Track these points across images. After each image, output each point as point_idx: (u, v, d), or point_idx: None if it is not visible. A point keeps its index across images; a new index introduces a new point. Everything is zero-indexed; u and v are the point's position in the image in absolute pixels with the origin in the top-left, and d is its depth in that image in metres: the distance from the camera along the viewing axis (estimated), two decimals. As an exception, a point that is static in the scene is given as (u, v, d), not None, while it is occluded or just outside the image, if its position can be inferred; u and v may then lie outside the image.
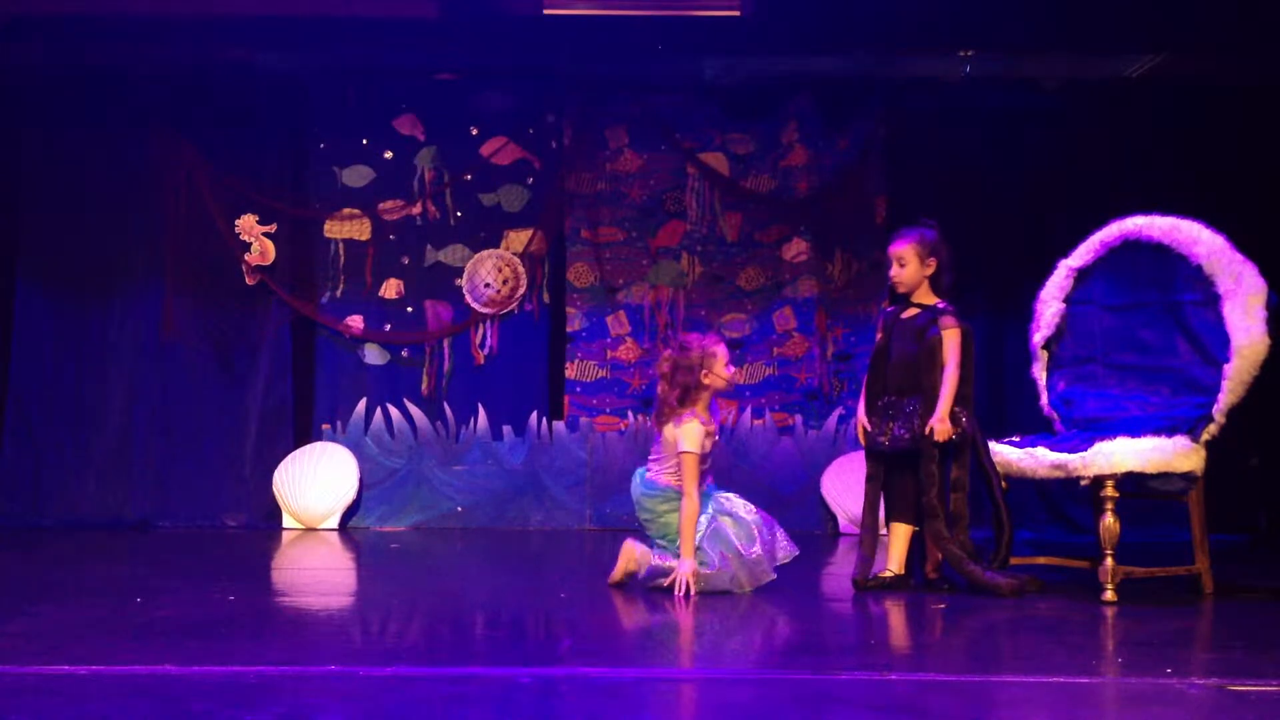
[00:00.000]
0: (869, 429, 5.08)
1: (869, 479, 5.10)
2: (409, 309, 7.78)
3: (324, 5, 6.70)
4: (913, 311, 5.09)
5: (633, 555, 5.03)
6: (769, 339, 7.74)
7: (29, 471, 7.62)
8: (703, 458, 4.91)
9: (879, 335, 5.20)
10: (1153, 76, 7.44)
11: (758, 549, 4.88)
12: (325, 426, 7.71)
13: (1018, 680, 3.37)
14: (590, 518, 7.54)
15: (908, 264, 5.08)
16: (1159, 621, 4.37)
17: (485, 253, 7.78)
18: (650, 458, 5.07)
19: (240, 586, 5.05)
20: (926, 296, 5.09)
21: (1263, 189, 7.45)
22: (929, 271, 5.07)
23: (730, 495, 5.02)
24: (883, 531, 5.16)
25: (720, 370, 4.98)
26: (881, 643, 4.07)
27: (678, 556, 4.88)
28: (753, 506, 5.00)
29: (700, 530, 4.89)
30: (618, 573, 5.06)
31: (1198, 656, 3.89)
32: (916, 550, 5.12)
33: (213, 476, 7.64)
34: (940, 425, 4.83)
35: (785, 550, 4.99)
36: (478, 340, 7.77)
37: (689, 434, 4.88)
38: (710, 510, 4.92)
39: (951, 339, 4.93)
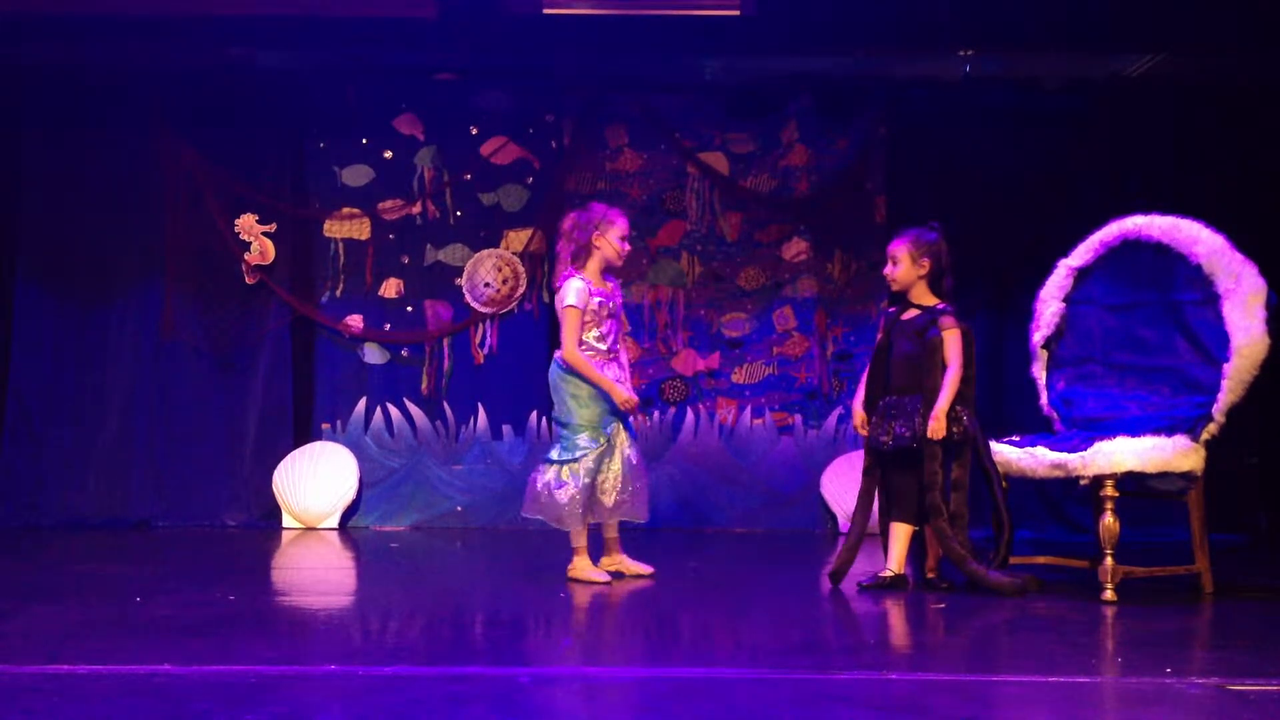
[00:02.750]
0: (869, 429, 5.08)
1: (865, 472, 5.11)
2: (409, 308, 7.77)
3: (324, 5, 6.69)
4: (913, 313, 5.09)
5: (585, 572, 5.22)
6: (769, 338, 7.74)
7: (29, 471, 7.61)
8: (600, 321, 5.12)
9: (880, 335, 5.21)
10: (1153, 76, 7.44)
11: (614, 497, 5.12)
12: (325, 426, 7.70)
13: (1018, 680, 3.37)
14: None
15: (900, 262, 5.10)
16: (1159, 621, 4.37)
17: (485, 252, 7.78)
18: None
19: (240, 586, 5.06)
20: (925, 297, 5.09)
21: (1263, 189, 7.44)
22: (922, 272, 5.07)
23: (630, 444, 5.19)
24: (873, 530, 5.17)
25: (613, 239, 5.16)
26: (881, 643, 4.07)
27: (561, 451, 5.13)
28: (638, 468, 5.20)
29: (591, 448, 5.08)
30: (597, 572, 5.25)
31: (1198, 656, 3.90)
32: (916, 550, 5.13)
33: (213, 476, 7.64)
34: (934, 424, 4.84)
35: (628, 511, 5.19)
36: (477, 340, 7.76)
37: (568, 289, 5.09)
38: (613, 441, 5.13)
39: (952, 340, 4.94)
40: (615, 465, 5.16)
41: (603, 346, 5.16)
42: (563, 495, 5.07)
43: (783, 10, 6.66)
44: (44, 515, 7.50)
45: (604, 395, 5.12)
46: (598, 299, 5.12)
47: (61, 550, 6.36)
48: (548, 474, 5.14)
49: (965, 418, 4.92)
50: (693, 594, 4.97)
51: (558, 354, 5.20)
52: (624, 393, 5.12)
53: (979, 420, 5.04)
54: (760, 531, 7.42)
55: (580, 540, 5.16)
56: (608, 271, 5.24)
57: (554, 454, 5.18)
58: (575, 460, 5.09)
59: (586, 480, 5.08)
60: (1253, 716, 2.93)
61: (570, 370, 5.13)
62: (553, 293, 7.72)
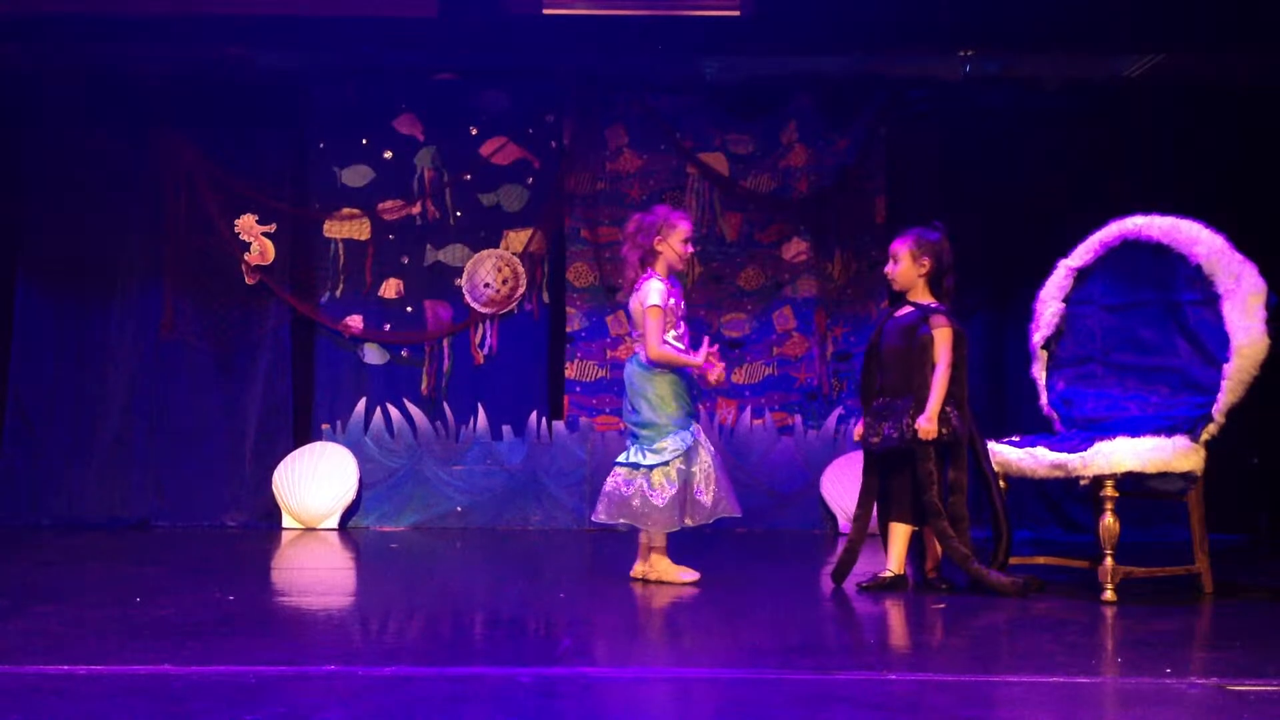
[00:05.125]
0: (865, 429, 5.07)
1: (865, 473, 5.11)
2: (409, 309, 7.77)
3: (324, 5, 6.69)
4: (906, 310, 5.09)
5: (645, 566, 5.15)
6: (769, 339, 7.74)
7: (29, 471, 7.61)
8: (675, 322, 5.08)
9: (874, 333, 5.20)
10: (1153, 76, 7.44)
11: (711, 496, 5.05)
12: (325, 426, 7.70)
13: (1018, 680, 3.37)
14: (590, 518, 7.54)
15: (900, 260, 5.09)
16: (1159, 621, 4.37)
17: (485, 252, 7.78)
18: (633, 341, 5.19)
19: (240, 586, 5.05)
20: (923, 296, 5.08)
21: (1263, 189, 7.44)
22: (922, 271, 5.06)
23: (708, 440, 5.17)
24: (874, 531, 5.17)
25: (676, 243, 5.12)
26: (881, 643, 4.07)
27: (647, 454, 5.02)
28: (721, 463, 5.17)
29: (680, 448, 5.01)
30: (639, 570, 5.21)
31: (1198, 656, 3.90)
32: (916, 550, 5.13)
33: (213, 476, 7.64)
34: (927, 425, 4.83)
35: (725, 508, 5.11)
36: (477, 340, 7.76)
37: (649, 290, 5.03)
38: (696, 440, 5.08)
39: (942, 338, 4.93)
40: (706, 463, 5.07)
41: (681, 346, 5.11)
42: (661, 499, 4.98)
43: (783, 10, 6.67)
44: (44, 515, 7.51)
45: (685, 393, 5.06)
46: (672, 299, 5.09)
47: (61, 550, 6.36)
48: (637, 479, 5.03)
49: (954, 417, 4.90)
50: (693, 594, 4.96)
51: (638, 354, 5.10)
52: (717, 369, 5.05)
53: (977, 422, 5.04)
54: (760, 531, 7.42)
55: (663, 540, 5.07)
56: (671, 274, 5.17)
57: (639, 458, 5.05)
58: (667, 463, 5.00)
59: (680, 482, 5.00)
60: (1253, 716, 2.93)
61: (654, 370, 5.04)
62: (552, 294, 7.80)
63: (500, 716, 2.88)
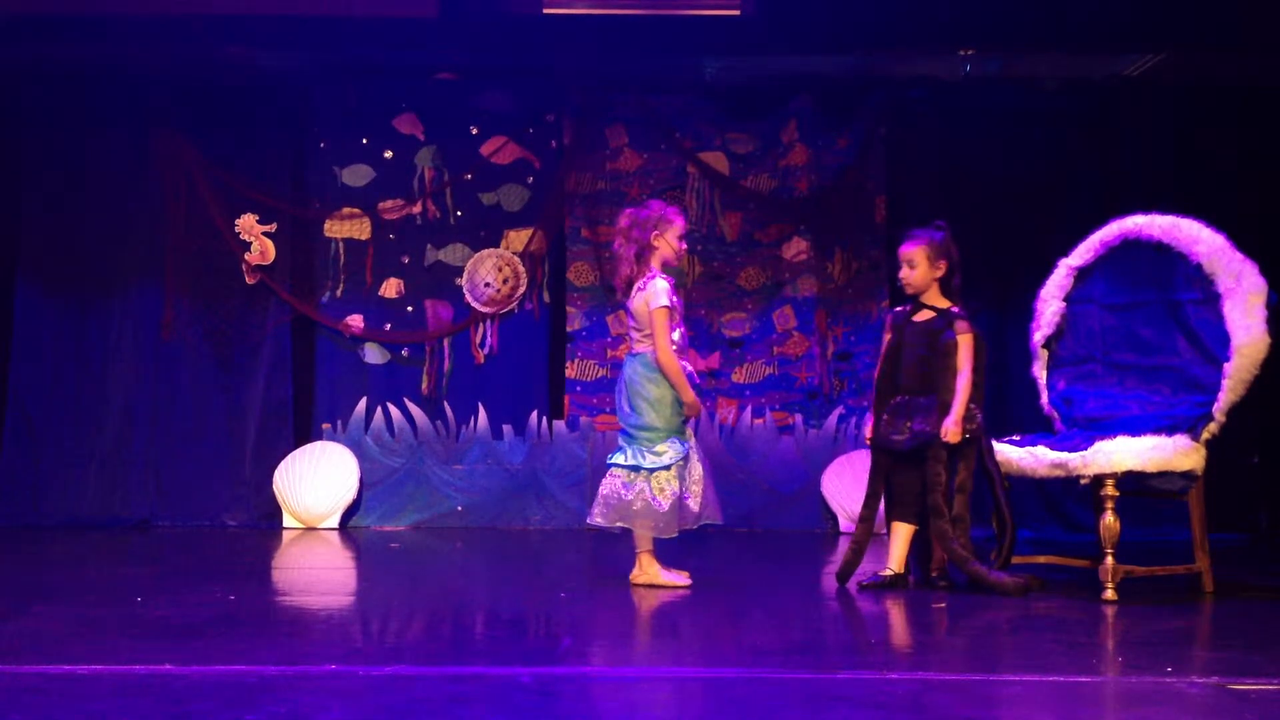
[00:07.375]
0: (882, 427, 5.05)
1: (874, 472, 5.09)
2: (409, 308, 7.77)
3: (324, 5, 6.70)
4: (927, 315, 5.07)
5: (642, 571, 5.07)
6: (769, 338, 7.73)
7: (29, 471, 7.61)
8: (679, 322, 4.98)
9: (888, 335, 5.17)
10: (1153, 76, 7.44)
11: (698, 501, 4.98)
12: (325, 426, 7.70)
13: (1018, 679, 3.36)
14: (585, 520, 7.53)
15: (918, 266, 5.06)
16: (1159, 621, 4.37)
17: (485, 252, 7.78)
18: (634, 341, 5.05)
19: (240, 586, 5.05)
20: (937, 299, 5.07)
21: (1263, 189, 7.45)
22: (939, 274, 5.05)
23: (696, 443, 5.09)
24: (881, 530, 5.16)
25: (672, 239, 5.05)
26: (881, 642, 4.07)
27: (648, 456, 4.91)
28: (706, 467, 5.09)
29: (680, 452, 4.93)
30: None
31: (1198, 655, 3.90)
32: (917, 550, 5.13)
33: (213, 476, 7.64)
34: (955, 428, 4.82)
35: (710, 514, 5.04)
36: (478, 339, 7.76)
37: (656, 290, 4.93)
38: (690, 445, 5.00)
39: (966, 344, 4.93)
40: (697, 469, 5.00)
41: (680, 345, 5.02)
42: (663, 504, 4.89)
43: (783, 10, 6.67)
44: (44, 515, 7.50)
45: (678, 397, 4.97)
46: (675, 298, 4.99)
47: (61, 550, 6.36)
48: (638, 482, 4.93)
49: (979, 416, 4.92)
50: (693, 594, 4.96)
51: (644, 354, 4.97)
52: (697, 401, 4.96)
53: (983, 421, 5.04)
54: (760, 531, 7.42)
55: (650, 544, 4.97)
56: (666, 271, 5.09)
57: (638, 459, 4.94)
58: (667, 468, 4.91)
59: (679, 486, 4.93)
60: (1253, 716, 2.93)
61: (655, 371, 4.94)
62: (553, 293, 7.80)
63: (500, 716, 2.88)
